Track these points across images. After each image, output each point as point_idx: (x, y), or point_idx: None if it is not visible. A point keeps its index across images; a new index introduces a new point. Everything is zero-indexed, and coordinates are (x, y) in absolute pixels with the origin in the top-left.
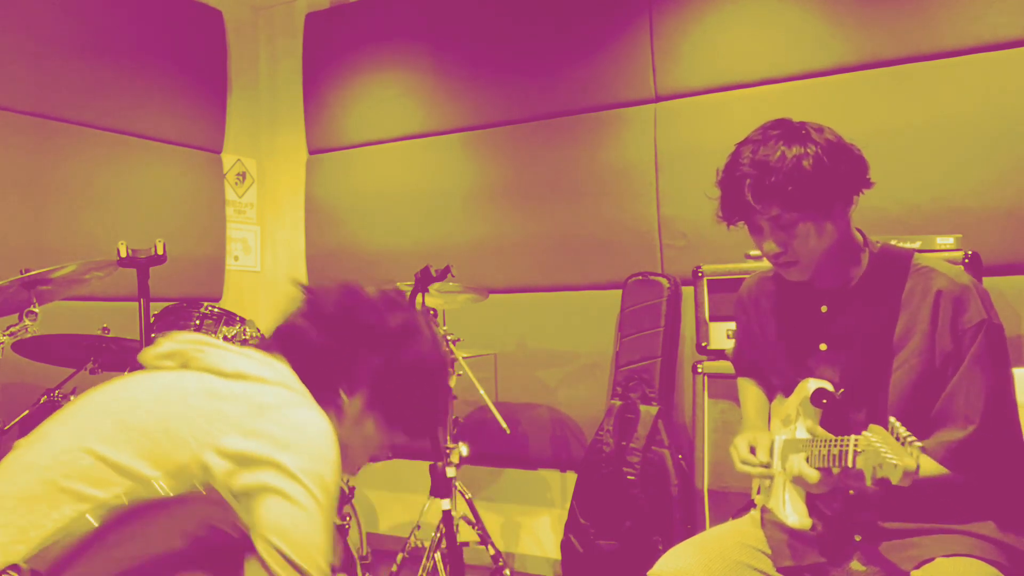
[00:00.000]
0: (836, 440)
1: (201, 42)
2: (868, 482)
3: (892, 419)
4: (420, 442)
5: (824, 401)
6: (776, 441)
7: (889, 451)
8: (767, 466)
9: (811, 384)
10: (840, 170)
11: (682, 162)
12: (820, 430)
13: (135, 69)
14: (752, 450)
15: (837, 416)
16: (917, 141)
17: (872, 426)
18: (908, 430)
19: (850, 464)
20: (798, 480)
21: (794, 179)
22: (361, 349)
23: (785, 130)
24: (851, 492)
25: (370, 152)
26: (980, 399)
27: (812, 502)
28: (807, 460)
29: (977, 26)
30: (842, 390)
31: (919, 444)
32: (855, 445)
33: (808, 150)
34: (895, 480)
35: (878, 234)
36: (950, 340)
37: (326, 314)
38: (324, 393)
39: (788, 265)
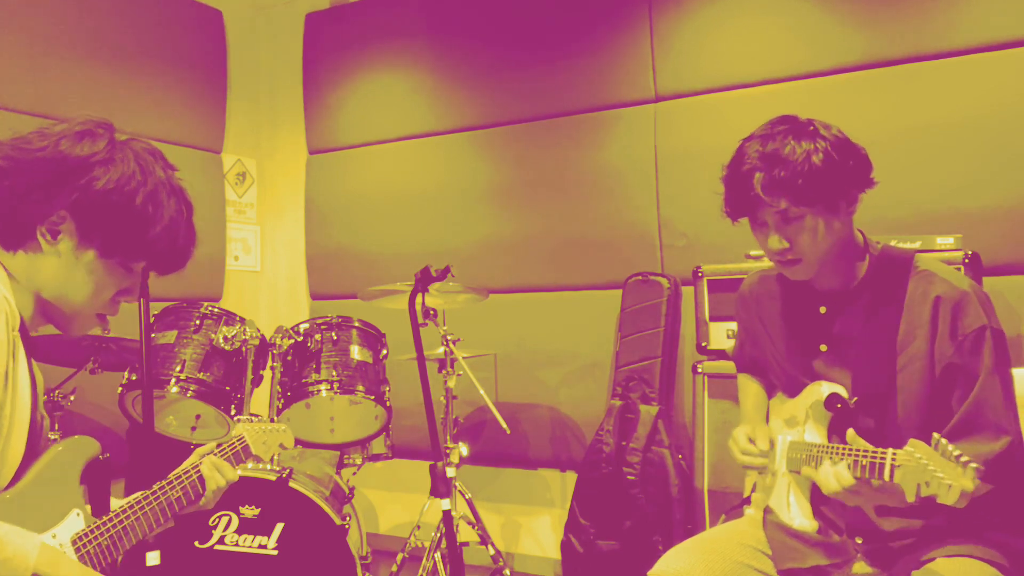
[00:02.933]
0: (866, 451)
1: (201, 42)
2: (911, 498)
3: (936, 435)
4: (163, 269)
5: (838, 406)
6: (779, 440)
7: (938, 469)
8: (765, 455)
9: (824, 388)
10: (848, 167)
11: (682, 162)
12: (860, 441)
13: (135, 69)
14: (751, 442)
15: (847, 422)
16: (917, 141)
17: (913, 440)
18: (968, 454)
19: (887, 478)
20: (837, 494)
21: (804, 173)
22: (49, 185)
23: (793, 126)
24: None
25: (370, 152)
26: (1004, 409)
27: (815, 504)
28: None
29: (977, 26)
30: (855, 398)
31: (975, 464)
32: (893, 459)
33: (818, 145)
34: (950, 501)
35: (878, 234)
36: (950, 346)
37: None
38: (20, 236)
39: (792, 263)
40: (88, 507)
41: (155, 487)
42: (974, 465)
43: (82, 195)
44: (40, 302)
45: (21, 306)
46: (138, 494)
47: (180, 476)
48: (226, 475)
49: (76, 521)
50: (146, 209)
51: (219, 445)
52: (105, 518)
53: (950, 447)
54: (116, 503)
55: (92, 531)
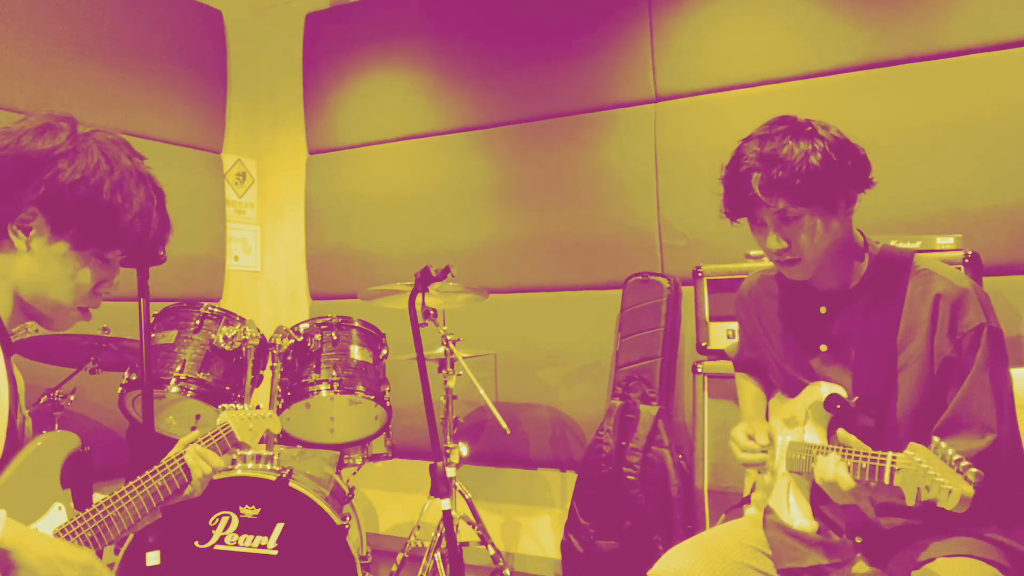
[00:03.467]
0: (867, 453)
1: (201, 42)
2: (911, 501)
3: (936, 439)
4: (140, 258)
5: (838, 407)
6: (779, 440)
7: (939, 474)
8: (765, 450)
9: (824, 389)
10: (846, 167)
11: (682, 162)
12: (852, 439)
13: (135, 69)
14: (751, 439)
15: (847, 422)
16: (917, 141)
17: (913, 444)
18: (956, 451)
19: (887, 481)
20: (830, 485)
21: (802, 173)
22: (14, 183)
23: (791, 126)
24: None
25: (370, 152)
26: (993, 406)
27: (815, 505)
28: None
29: (977, 26)
30: (856, 398)
31: (975, 470)
32: (893, 462)
33: (816, 145)
34: (950, 506)
35: (878, 234)
36: (948, 344)
37: None
38: None
39: (791, 263)
40: (71, 502)
41: (138, 477)
42: (974, 470)
43: (48, 189)
44: (18, 300)
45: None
46: (122, 486)
47: (163, 465)
48: (211, 463)
49: (58, 515)
50: (114, 198)
51: (205, 436)
52: (88, 510)
53: (950, 451)
54: (99, 497)
55: (75, 523)
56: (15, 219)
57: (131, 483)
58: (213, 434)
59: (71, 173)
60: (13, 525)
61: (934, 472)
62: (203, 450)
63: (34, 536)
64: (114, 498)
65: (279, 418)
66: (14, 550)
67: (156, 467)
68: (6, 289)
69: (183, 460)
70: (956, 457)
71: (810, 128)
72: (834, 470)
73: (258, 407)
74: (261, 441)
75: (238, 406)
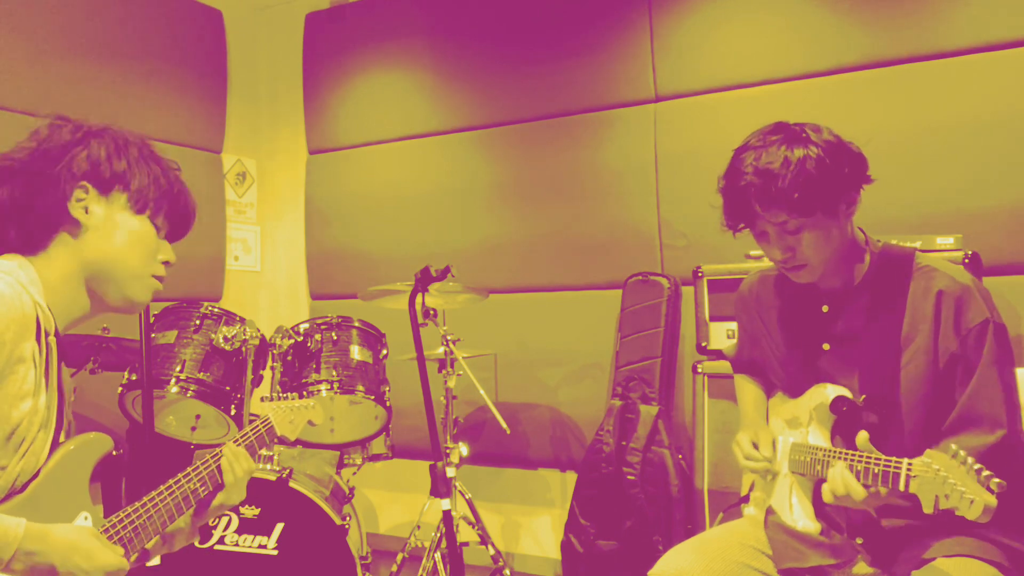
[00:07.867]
0: (880, 458)
1: (201, 42)
2: (928, 509)
3: (954, 446)
4: (177, 221)
5: (843, 409)
6: (780, 441)
7: (959, 483)
8: (769, 460)
9: (830, 391)
10: (843, 169)
11: (682, 162)
12: (865, 443)
13: (135, 69)
14: (755, 446)
15: (852, 424)
16: (917, 141)
17: (930, 452)
18: (974, 458)
19: (902, 487)
20: (842, 498)
21: (799, 185)
22: (55, 173)
23: (785, 134)
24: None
25: (370, 152)
26: (1002, 402)
27: (817, 505)
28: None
29: (977, 26)
30: (863, 396)
31: (997, 479)
32: (908, 469)
33: (810, 152)
34: (972, 516)
35: (878, 234)
36: (954, 340)
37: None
38: (48, 229)
39: (797, 269)
40: (96, 509)
41: (170, 481)
42: (996, 480)
43: (90, 163)
44: (91, 290)
45: (70, 303)
46: (153, 492)
47: (197, 466)
48: (242, 464)
49: (84, 524)
50: (145, 161)
51: (243, 433)
52: (116, 519)
53: (970, 459)
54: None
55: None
56: (71, 197)
57: (162, 487)
58: (251, 429)
59: (101, 146)
60: (34, 525)
61: (954, 481)
62: (237, 450)
63: (55, 531)
64: (143, 504)
65: (322, 408)
66: (39, 552)
67: (189, 468)
68: (78, 281)
69: (218, 460)
70: (977, 466)
71: (804, 135)
72: (843, 482)
73: (300, 395)
74: (262, 446)
75: (278, 396)
